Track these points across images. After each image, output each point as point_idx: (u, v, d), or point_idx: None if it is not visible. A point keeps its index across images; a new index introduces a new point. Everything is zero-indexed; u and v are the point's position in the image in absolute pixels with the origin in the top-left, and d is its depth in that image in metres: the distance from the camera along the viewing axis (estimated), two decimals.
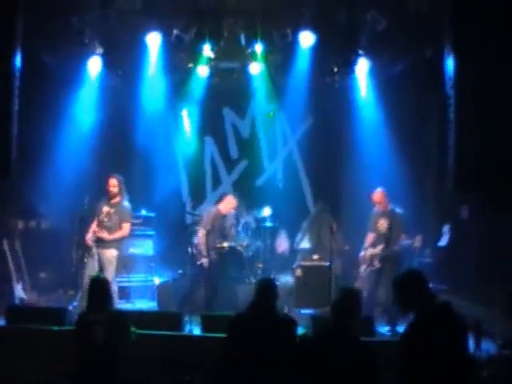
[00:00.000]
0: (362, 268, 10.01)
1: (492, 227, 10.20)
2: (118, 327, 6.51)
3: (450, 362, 4.72)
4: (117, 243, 9.93)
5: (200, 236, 10.53)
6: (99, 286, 6.69)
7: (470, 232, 10.71)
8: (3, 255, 10.35)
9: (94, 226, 9.86)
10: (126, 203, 9.99)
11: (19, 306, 9.84)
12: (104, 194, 10.00)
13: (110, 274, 9.53)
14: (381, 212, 9.96)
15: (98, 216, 9.86)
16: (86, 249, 9.81)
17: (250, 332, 5.78)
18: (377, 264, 9.75)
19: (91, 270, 9.56)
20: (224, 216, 10.97)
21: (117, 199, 9.85)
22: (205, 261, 10.43)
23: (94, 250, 9.70)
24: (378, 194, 9.97)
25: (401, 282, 5.12)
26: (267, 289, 6.03)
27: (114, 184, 9.89)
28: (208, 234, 10.53)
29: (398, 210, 9.83)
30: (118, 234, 9.86)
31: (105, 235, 9.77)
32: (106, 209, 9.84)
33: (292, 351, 5.60)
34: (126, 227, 9.96)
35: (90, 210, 10.02)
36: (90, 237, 9.75)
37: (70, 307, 9.56)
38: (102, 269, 9.59)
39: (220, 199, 11.06)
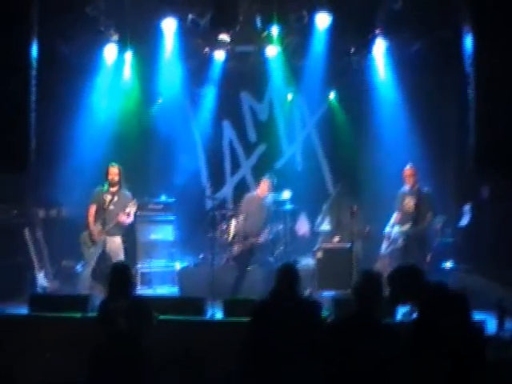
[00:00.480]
0: (384, 245, 9.97)
1: None
2: (140, 314, 6.55)
3: (460, 339, 4.78)
4: (123, 230, 10.07)
5: (239, 221, 10.80)
6: (121, 273, 6.72)
7: (491, 212, 10.65)
8: (25, 244, 10.43)
9: (91, 214, 9.96)
10: (127, 191, 10.10)
11: (42, 295, 9.93)
12: (102, 182, 10.10)
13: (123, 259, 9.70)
14: (407, 191, 9.94)
15: (101, 205, 9.92)
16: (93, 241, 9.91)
17: (274, 317, 5.80)
18: (401, 242, 9.72)
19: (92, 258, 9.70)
20: (262, 199, 11.02)
21: (116, 187, 9.98)
22: (240, 245, 10.52)
23: (100, 240, 9.80)
24: (410, 169, 9.96)
25: (397, 276, 5.16)
26: (289, 273, 6.04)
27: (115, 172, 10.01)
28: (246, 219, 10.74)
29: (426, 189, 9.81)
30: (130, 220, 10.04)
31: (125, 219, 9.89)
32: (108, 197, 9.94)
33: (318, 334, 5.62)
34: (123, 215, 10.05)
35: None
36: (99, 230, 9.81)
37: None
38: (110, 257, 9.65)
39: (258, 184, 11.28)
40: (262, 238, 10.86)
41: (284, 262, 6.64)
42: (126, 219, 10.01)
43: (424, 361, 4.77)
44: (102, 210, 9.88)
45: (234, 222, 11.70)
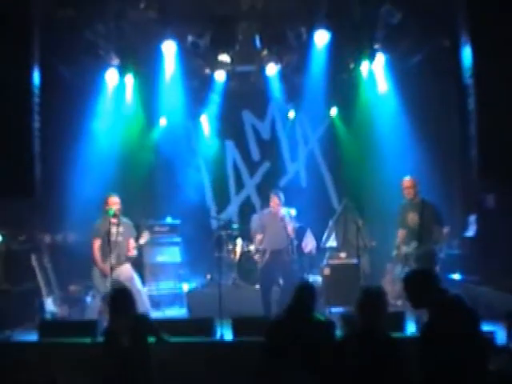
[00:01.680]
0: (399, 268, 9.65)
1: None
2: (143, 330, 6.55)
3: (467, 352, 4.81)
4: (128, 259, 10.02)
5: (258, 239, 10.72)
6: (120, 294, 6.70)
7: (497, 221, 10.61)
8: (32, 270, 10.42)
9: (97, 249, 9.79)
10: (124, 218, 9.92)
11: (51, 321, 9.88)
12: (103, 214, 9.86)
13: (139, 284, 9.65)
14: (409, 204, 9.60)
15: (106, 238, 9.63)
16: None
17: (290, 335, 5.80)
18: (413, 264, 9.23)
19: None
20: (276, 214, 10.69)
21: (117, 217, 9.78)
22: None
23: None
24: (409, 180, 9.62)
25: (411, 280, 5.17)
26: (305, 291, 6.08)
27: (118, 202, 9.81)
28: (267, 236, 10.57)
29: (428, 200, 9.49)
30: (137, 245, 9.96)
31: (134, 252, 9.90)
32: (114, 229, 9.67)
33: (330, 353, 5.64)
34: (133, 243, 9.97)
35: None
36: (108, 267, 9.65)
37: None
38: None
39: (268, 201, 10.94)
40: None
41: (302, 281, 6.63)
42: (132, 252, 9.99)
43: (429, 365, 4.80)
44: (107, 243, 9.67)
45: (239, 242, 11.74)
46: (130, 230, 9.99)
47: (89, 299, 10.48)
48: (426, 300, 5.06)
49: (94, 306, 9.89)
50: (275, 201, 10.54)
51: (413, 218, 9.48)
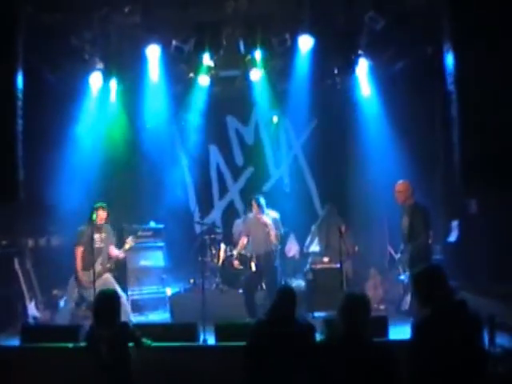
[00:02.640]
0: (401, 273, 9.79)
1: (501, 220, 10.17)
2: (123, 340, 6.55)
3: (462, 358, 4.80)
4: (111, 265, 10.13)
5: (241, 243, 10.87)
6: (106, 302, 6.68)
7: (480, 226, 10.68)
8: (15, 275, 10.38)
9: (79, 256, 9.89)
10: (107, 225, 10.06)
11: (33, 325, 9.85)
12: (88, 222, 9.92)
13: (120, 292, 9.65)
14: (403, 208, 9.62)
15: (89, 245, 9.73)
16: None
17: (271, 338, 5.81)
18: (408, 271, 9.39)
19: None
20: (259, 219, 10.68)
21: (103, 225, 9.94)
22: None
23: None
24: (398, 185, 9.61)
25: (422, 276, 5.17)
26: (287, 296, 6.09)
27: (105, 217, 9.97)
28: (252, 240, 10.71)
29: (420, 205, 9.51)
30: (122, 253, 10.16)
31: (121, 254, 9.95)
32: (96, 235, 9.82)
33: (312, 357, 5.67)
34: (114, 248, 10.16)
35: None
36: (87, 279, 9.69)
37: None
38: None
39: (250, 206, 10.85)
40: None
41: (283, 285, 6.66)
42: (122, 255, 10.13)
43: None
44: (90, 250, 9.73)
45: (223, 246, 11.75)
46: (111, 237, 10.12)
47: (61, 304, 10.45)
48: (434, 299, 5.03)
49: (65, 310, 9.92)
50: (255, 207, 10.56)
51: (404, 222, 9.56)
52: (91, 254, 9.58)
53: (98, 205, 9.96)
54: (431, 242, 9.64)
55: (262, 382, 5.77)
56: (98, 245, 9.74)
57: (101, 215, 9.92)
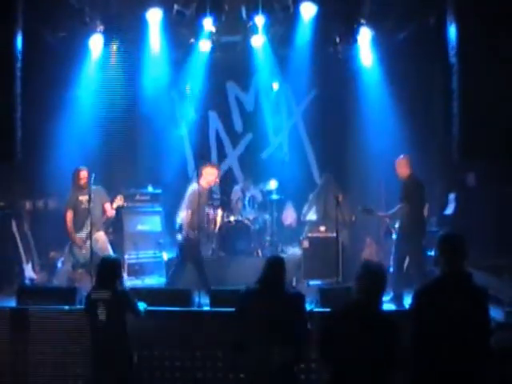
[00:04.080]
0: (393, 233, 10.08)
1: (499, 194, 10.19)
2: (121, 305, 6.61)
3: (464, 327, 4.84)
4: (104, 224, 10.18)
5: (185, 216, 9.98)
6: (107, 266, 6.77)
7: (477, 199, 10.69)
8: (12, 236, 10.41)
9: (69, 220, 9.96)
10: (93, 186, 9.86)
11: (30, 287, 9.89)
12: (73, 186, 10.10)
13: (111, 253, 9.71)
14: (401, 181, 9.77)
15: (76, 208, 9.94)
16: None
17: (260, 305, 5.85)
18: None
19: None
20: (209, 190, 10.70)
21: (87, 187, 9.82)
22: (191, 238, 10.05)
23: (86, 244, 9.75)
24: (397, 160, 9.78)
25: (446, 238, 5.26)
26: (276, 264, 6.11)
27: (85, 176, 9.94)
28: (193, 213, 9.90)
29: (416, 177, 9.70)
30: (112, 210, 10.14)
31: (112, 213, 9.99)
32: (83, 198, 9.87)
33: (301, 325, 5.78)
34: (110, 206, 10.13)
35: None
36: (80, 238, 9.87)
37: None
38: (99, 253, 9.56)
39: (199, 174, 10.29)
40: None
41: (272, 254, 6.70)
42: (112, 212, 10.12)
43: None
44: (81, 212, 9.86)
45: (220, 212, 11.76)
46: (101, 196, 10.12)
47: (59, 265, 10.50)
48: (446, 264, 5.06)
49: (62, 271, 9.98)
50: (213, 173, 10.29)
51: (400, 194, 9.68)
52: (79, 216, 9.82)
53: (78, 167, 10.05)
54: (427, 215, 9.71)
55: (250, 348, 5.82)
56: (84, 206, 9.77)
57: (82, 175, 9.95)
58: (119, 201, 10.06)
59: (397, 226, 9.83)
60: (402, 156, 9.77)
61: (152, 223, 12.09)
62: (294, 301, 6.03)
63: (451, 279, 4.99)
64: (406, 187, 9.61)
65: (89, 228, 9.58)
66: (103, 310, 6.48)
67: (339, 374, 5.11)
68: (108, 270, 6.70)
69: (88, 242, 9.50)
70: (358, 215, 11.19)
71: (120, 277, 6.86)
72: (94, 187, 9.73)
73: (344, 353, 5.03)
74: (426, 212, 9.85)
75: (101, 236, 9.94)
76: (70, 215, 9.97)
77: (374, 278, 5.15)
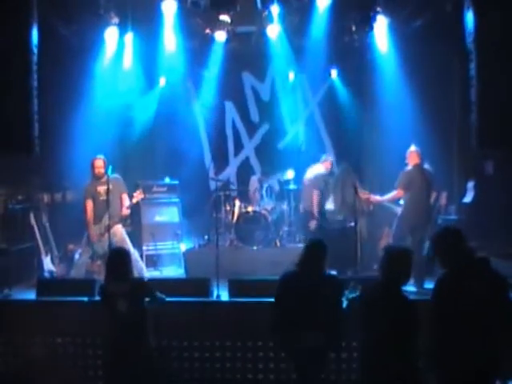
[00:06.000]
0: None
1: None
2: (140, 296, 6.63)
3: (485, 312, 4.83)
4: (122, 217, 10.12)
5: (315, 197, 10.99)
6: (119, 258, 6.78)
7: (495, 187, 10.63)
8: (31, 229, 10.46)
9: (90, 210, 9.94)
10: (112, 175, 9.83)
11: (49, 279, 9.94)
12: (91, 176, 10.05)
13: (130, 246, 9.68)
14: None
15: (95, 199, 9.90)
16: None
17: (298, 288, 6.02)
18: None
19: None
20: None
21: (105, 177, 9.78)
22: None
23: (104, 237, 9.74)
24: (411, 152, 9.92)
25: (439, 238, 5.19)
26: (315, 248, 6.23)
27: (101, 165, 9.90)
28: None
29: (417, 165, 9.81)
30: (129, 205, 10.05)
31: (127, 212, 10.00)
32: (100, 188, 9.82)
33: (337, 309, 5.96)
34: (127, 197, 10.07)
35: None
36: (98, 233, 9.84)
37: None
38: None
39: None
40: None
41: (312, 239, 6.74)
42: (126, 211, 10.09)
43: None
44: (99, 204, 9.84)
45: (237, 203, 11.77)
46: (120, 186, 10.07)
47: (76, 257, 10.54)
48: (454, 259, 5.05)
49: (80, 263, 10.00)
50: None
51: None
52: (97, 207, 9.79)
53: (94, 156, 10.02)
54: (444, 203, 9.72)
55: (289, 332, 5.97)
56: (102, 198, 9.73)
57: (97, 164, 9.92)
58: (139, 195, 10.04)
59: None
60: (412, 148, 9.82)
61: (170, 214, 12.14)
62: (332, 285, 6.07)
63: (468, 267, 4.98)
64: (404, 175, 9.80)
65: (107, 222, 9.59)
66: (123, 303, 6.49)
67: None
68: (120, 262, 6.71)
69: (106, 235, 9.50)
70: (375, 205, 11.16)
71: (130, 266, 6.84)
72: (112, 176, 9.73)
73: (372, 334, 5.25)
74: (432, 200, 9.91)
75: (118, 229, 9.92)
76: (90, 205, 9.92)
77: (403, 264, 5.20)
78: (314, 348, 5.89)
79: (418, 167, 9.78)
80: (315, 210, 10.95)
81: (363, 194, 10.34)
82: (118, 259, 6.77)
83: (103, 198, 9.67)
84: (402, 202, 10.16)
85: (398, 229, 9.79)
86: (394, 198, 10.14)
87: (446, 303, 4.95)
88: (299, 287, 6.00)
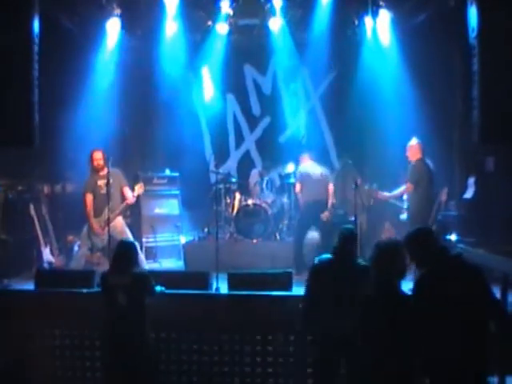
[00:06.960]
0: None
1: None
2: (140, 290, 6.62)
3: (465, 309, 4.79)
4: (124, 209, 10.14)
5: (331, 189, 11.15)
6: (125, 250, 6.78)
7: (496, 184, 10.60)
8: (30, 220, 10.45)
9: (90, 203, 9.92)
10: (111, 168, 9.72)
11: (48, 270, 9.93)
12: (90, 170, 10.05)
13: (131, 238, 9.67)
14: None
15: (95, 193, 9.89)
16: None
17: (330, 275, 6.10)
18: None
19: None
20: None
21: (105, 170, 9.73)
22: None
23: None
24: (411, 145, 9.93)
25: (411, 240, 5.17)
26: (348, 236, 6.29)
27: (100, 157, 9.89)
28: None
29: (420, 160, 9.81)
30: (133, 198, 10.03)
31: (132, 200, 9.95)
32: (101, 182, 9.79)
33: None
34: (129, 190, 10.06)
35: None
36: (99, 226, 9.84)
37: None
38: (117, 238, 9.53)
39: None
40: None
41: (346, 227, 6.74)
42: (133, 200, 10.08)
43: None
44: (100, 197, 9.82)
45: (238, 196, 11.76)
46: (120, 180, 10.05)
47: (76, 248, 10.54)
48: (428, 258, 5.03)
49: (80, 255, 10.00)
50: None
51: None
52: (98, 201, 9.79)
53: (92, 149, 10.02)
54: (445, 199, 9.71)
55: (320, 318, 6.06)
56: (103, 191, 9.70)
57: (96, 156, 9.91)
58: (140, 188, 10.02)
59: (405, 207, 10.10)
60: (414, 141, 9.80)
61: (170, 206, 12.13)
62: (363, 274, 6.08)
63: (445, 264, 4.98)
64: (413, 169, 9.77)
65: (107, 214, 9.57)
66: (123, 295, 6.49)
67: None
68: (126, 255, 6.72)
69: (106, 229, 9.48)
70: (376, 199, 11.15)
71: (135, 260, 6.85)
72: (112, 169, 9.71)
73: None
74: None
75: (119, 221, 9.92)
76: (89, 198, 9.91)
77: (389, 258, 5.14)
78: (341, 336, 5.84)
79: (423, 161, 9.78)
80: (330, 201, 10.93)
81: (371, 192, 10.35)
82: (124, 251, 6.78)
83: (103, 191, 9.65)
84: (405, 197, 10.15)
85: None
86: (402, 193, 10.15)
87: (428, 304, 4.90)
88: (333, 275, 6.08)
